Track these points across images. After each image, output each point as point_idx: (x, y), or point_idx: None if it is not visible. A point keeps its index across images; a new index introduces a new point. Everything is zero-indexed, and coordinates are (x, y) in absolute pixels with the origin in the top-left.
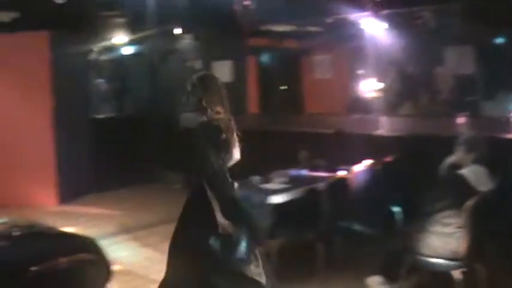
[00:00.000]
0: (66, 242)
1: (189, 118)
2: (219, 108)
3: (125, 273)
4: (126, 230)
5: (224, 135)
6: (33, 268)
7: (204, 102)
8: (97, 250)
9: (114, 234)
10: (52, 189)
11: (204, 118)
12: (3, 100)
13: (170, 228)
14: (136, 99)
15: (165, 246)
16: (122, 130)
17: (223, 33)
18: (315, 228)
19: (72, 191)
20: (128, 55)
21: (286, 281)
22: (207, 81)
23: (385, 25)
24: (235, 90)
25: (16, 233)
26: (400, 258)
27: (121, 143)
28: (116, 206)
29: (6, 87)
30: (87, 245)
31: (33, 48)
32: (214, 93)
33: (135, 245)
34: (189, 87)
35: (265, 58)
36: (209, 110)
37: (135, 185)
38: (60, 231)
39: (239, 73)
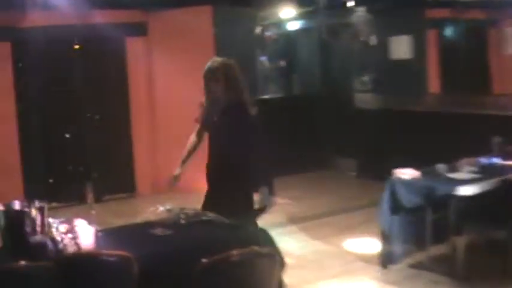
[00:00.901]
0: (237, 232)
1: (363, 99)
2: None
3: (294, 266)
4: (294, 221)
5: None
6: (204, 260)
7: None
8: (269, 242)
9: (282, 224)
10: None
11: None
12: (171, 79)
13: (343, 221)
14: (305, 78)
15: (337, 240)
16: (289, 112)
17: (401, 4)
18: (507, 224)
19: None
20: (295, 30)
21: (474, 281)
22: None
23: None
24: (414, 68)
25: (184, 221)
26: None
27: (288, 126)
28: (284, 195)
29: (172, 64)
30: (259, 237)
31: (197, 24)
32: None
33: (304, 236)
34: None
35: (447, 32)
36: None
37: (304, 172)
38: (231, 221)
39: (418, 49)
